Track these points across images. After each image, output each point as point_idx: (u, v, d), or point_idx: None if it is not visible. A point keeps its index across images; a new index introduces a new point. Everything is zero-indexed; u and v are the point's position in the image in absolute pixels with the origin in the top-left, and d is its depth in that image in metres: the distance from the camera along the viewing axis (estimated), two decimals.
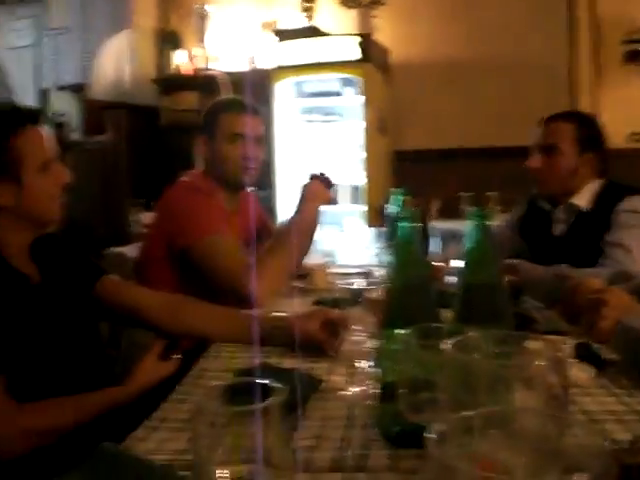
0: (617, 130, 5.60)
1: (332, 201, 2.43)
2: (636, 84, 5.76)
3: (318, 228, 2.49)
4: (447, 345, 0.74)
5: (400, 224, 1.03)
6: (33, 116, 1.58)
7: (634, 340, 1.30)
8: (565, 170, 2.38)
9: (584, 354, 1.38)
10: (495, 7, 5.58)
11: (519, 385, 0.69)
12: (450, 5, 5.68)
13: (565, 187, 2.38)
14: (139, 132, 4.85)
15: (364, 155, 5.25)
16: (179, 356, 1.70)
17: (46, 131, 1.62)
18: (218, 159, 2.37)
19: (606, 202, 2.29)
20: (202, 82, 5.81)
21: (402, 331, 0.94)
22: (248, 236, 2.38)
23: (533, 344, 0.80)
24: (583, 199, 2.35)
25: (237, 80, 4.57)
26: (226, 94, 4.28)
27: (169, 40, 6.22)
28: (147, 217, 4.23)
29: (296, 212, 2.29)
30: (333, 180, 2.39)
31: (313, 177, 2.37)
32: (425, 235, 1.98)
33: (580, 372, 1.31)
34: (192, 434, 0.69)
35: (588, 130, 2.44)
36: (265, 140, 2.43)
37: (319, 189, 2.33)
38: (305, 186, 2.35)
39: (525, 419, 0.59)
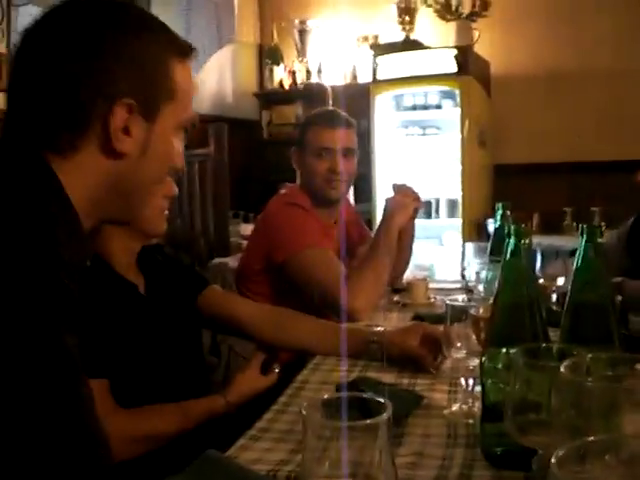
0: None
1: (417, 212, 2.40)
2: None
3: (414, 241, 2.48)
4: (558, 367, 0.72)
5: (508, 240, 1.01)
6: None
7: None
8: None
9: None
10: (600, 16, 5.41)
11: (631, 409, 0.66)
12: (553, 15, 5.55)
13: None
14: (241, 145, 4.96)
15: (462, 168, 5.19)
16: (278, 369, 1.73)
17: None
18: (308, 173, 2.38)
19: None
20: (304, 94, 5.90)
21: (508, 350, 0.93)
22: (347, 249, 2.40)
23: None
24: None
25: (336, 94, 4.61)
26: (327, 105, 4.31)
27: (270, 55, 6.35)
28: (247, 229, 4.31)
29: (381, 225, 2.28)
30: (416, 191, 2.36)
31: (396, 188, 2.35)
32: (530, 251, 1.93)
33: None
34: (301, 447, 0.70)
35: None
36: (356, 153, 2.41)
37: (402, 201, 2.31)
38: (388, 199, 2.33)
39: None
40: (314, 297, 2.14)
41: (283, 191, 2.44)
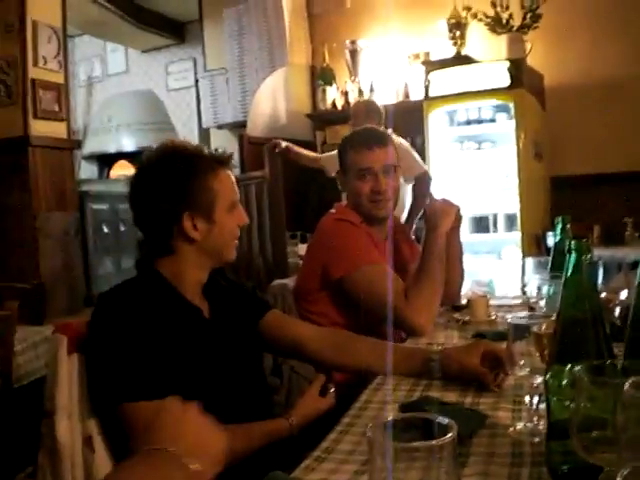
0: None
1: (460, 220, 2.39)
2: None
3: (465, 255, 2.46)
4: (623, 383, 0.71)
5: (570, 255, 1.00)
6: (225, 160, 1.70)
7: None
8: None
9: None
10: None
11: None
12: (606, 25, 5.48)
13: None
14: (296, 166, 5.01)
15: (518, 182, 5.13)
16: (333, 389, 1.75)
17: (233, 173, 1.74)
18: (353, 195, 2.39)
19: None
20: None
21: (572, 367, 0.92)
22: (399, 265, 2.40)
23: None
24: None
25: (389, 112, 4.63)
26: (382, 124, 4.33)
27: (322, 76, 6.42)
28: (303, 249, 4.34)
29: (426, 235, 2.27)
30: (455, 204, 2.36)
31: (434, 202, 2.35)
32: (592, 265, 1.90)
33: None
34: (367, 468, 0.71)
35: None
36: (398, 167, 2.41)
37: (443, 207, 2.31)
38: (428, 207, 2.33)
39: None
40: (375, 313, 2.15)
41: (333, 210, 2.46)
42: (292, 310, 2.49)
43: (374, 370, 1.71)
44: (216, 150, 1.74)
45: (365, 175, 2.34)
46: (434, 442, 0.67)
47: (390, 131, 4.79)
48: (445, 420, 0.72)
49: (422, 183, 4.51)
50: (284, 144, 4.79)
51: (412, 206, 4.49)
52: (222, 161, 1.69)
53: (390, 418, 0.75)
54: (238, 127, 6.98)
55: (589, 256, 1.00)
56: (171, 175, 1.61)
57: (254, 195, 4.87)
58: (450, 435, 0.67)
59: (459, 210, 2.37)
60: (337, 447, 1.26)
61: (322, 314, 2.27)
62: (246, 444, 1.54)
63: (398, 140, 5.03)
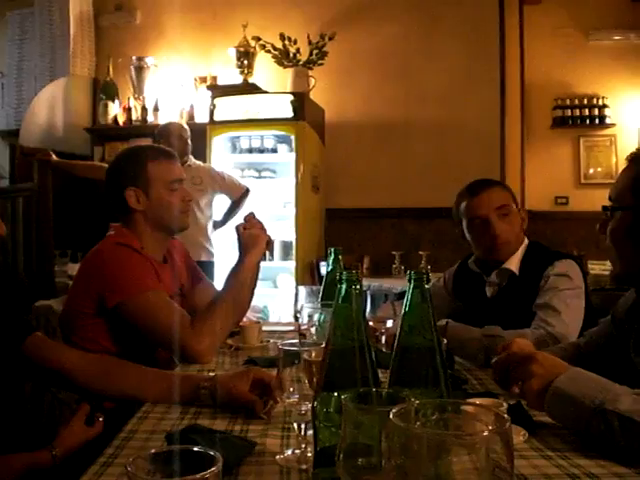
0: (543, 194, 5.84)
1: (269, 246, 2.40)
2: (562, 149, 6.02)
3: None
4: (388, 411, 0.73)
5: (340, 285, 1.02)
6: (168, 152, 2.33)
7: (565, 403, 1.32)
8: (518, 227, 2.42)
9: (516, 416, 1.39)
10: (431, 71, 5.79)
11: (462, 453, 0.68)
12: (387, 67, 5.86)
13: (517, 246, 2.40)
14: (69, 181, 4.76)
15: (296, 212, 5.28)
16: (102, 418, 1.67)
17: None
18: (157, 207, 2.31)
19: (536, 266, 2.34)
20: (140, 132, 5.78)
21: (340, 394, 0.93)
22: (179, 286, 2.36)
23: (474, 409, 0.79)
24: (513, 263, 2.39)
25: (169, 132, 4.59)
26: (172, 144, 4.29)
27: (105, 90, 6.20)
28: (75, 269, 4.12)
29: (238, 262, 2.26)
30: (266, 233, 2.37)
31: (247, 219, 2.34)
32: (361, 295, 1.98)
33: (513, 434, 1.31)
34: None
35: (512, 193, 2.51)
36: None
37: (255, 234, 2.31)
38: (243, 234, 2.31)
39: None
40: (155, 341, 2.10)
41: (112, 232, 2.35)
42: (57, 334, 2.33)
43: (141, 398, 1.65)
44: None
45: (176, 185, 2.33)
46: (197, 476, 0.63)
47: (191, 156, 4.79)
48: (210, 452, 0.70)
49: (244, 199, 4.92)
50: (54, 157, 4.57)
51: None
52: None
53: (152, 451, 0.71)
54: (11, 135, 6.53)
55: (358, 286, 1.02)
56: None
57: (21, 208, 4.56)
58: (214, 468, 0.64)
59: (270, 239, 2.37)
60: None
61: (92, 340, 2.15)
62: (4, 478, 1.41)
63: (208, 165, 5.05)
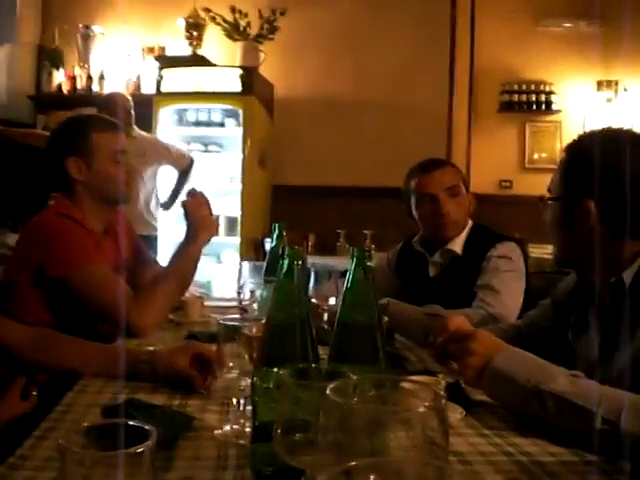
0: (488, 177, 5.91)
1: (217, 230, 2.37)
2: (508, 133, 6.09)
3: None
4: (325, 388, 0.72)
5: (282, 261, 1.02)
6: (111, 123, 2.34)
7: (503, 382, 1.34)
8: (466, 209, 2.48)
9: (454, 394, 1.41)
10: (382, 50, 5.78)
11: (398, 429, 0.68)
12: (338, 45, 5.83)
13: (463, 227, 2.45)
14: (9, 149, 4.62)
15: (242, 187, 5.25)
16: (36, 392, 1.64)
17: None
18: (99, 179, 2.27)
19: (478, 247, 2.38)
20: (88, 101, 5.64)
21: (279, 370, 0.93)
22: (122, 259, 2.33)
23: (411, 386, 0.80)
24: (457, 244, 2.43)
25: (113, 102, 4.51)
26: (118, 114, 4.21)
27: (50, 58, 6.03)
28: (13, 239, 4.02)
29: (185, 241, 2.23)
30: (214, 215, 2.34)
31: (192, 194, 2.31)
32: (304, 272, 1.98)
33: (450, 412, 1.33)
34: (58, 476, 0.64)
35: (463, 174, 2.56)
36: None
37: (207, 218, 2.28)
38: (195, 216, 2.27)
39: (406, 466, 0.59)
40: (96, 314, 2.07)
41: (52, 202, 2.30)
42: None
43: (80, 371, 1.62)
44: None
45: (119, 157, 2.30)
46: (129, 450, 0.62)
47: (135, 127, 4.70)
48: (146, 426, 0.69)
49: (190, 168, 4.89)
50: None
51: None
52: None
53: (86, 424, 0.70)
54: None
55: (300, 262, 1.02)
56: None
57: None
58: (148, 442, 0.64)
59: (217, 221, 2.36)
60: (35, 454, 1.15)
61: (31, 312, 2.10)
62: None
63: (153, 137, 4.95)
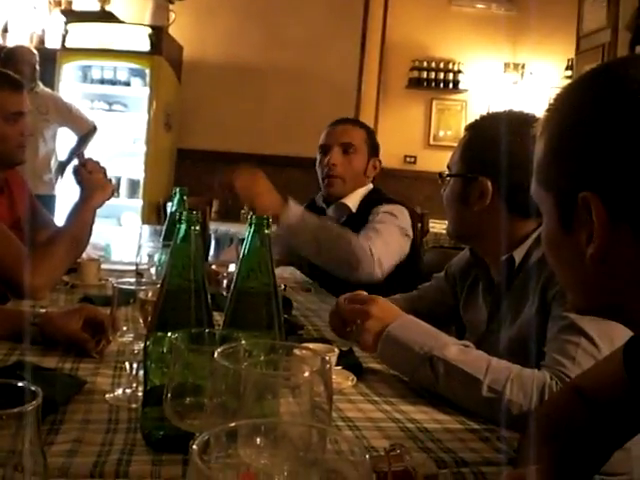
0: (393, 151, 6.00)
1: (113, 193, 2.32)
2: (415, 109, 6.19)
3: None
4: (215, 352, 0.73)
5: (179, 225, 1.01)
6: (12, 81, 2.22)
7: (397, 348, 1.38)
8: (359, 169, 2.55)
9: (346, 361, 1.45)
10: (293, 17, 5.74)
11: (285, 393, 0.70)
12: (250, 9, 5.76)
13: (354, 186, 2.52)
14: None
15: (146, 149, 5.15)
16: None
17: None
18: None
19: (368, 206, 2.47)
20: None
21: (172, 334, 0.93)
22: (17, 218, 2.26)
23: (302, 353, 0.82)
24: (352, 201, 2.52)
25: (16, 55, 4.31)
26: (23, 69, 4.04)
27: None
28: None
29: (78, 204, 2.17)
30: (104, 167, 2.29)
31: (82, 163, 2.24)
32: (204, 237, 1.98)
33: (341, 379, 1.36)
34: None
35: (373, 139, 2.68)
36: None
37: (101, 181, 2.22)
38: (86, 177, 2.21)
39: (289, 429, 0.60)
40: None
41: None
42: None
43: None
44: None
45: (15, 118, 2.23)
46: (13, 410, 0.62)
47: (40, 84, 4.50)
48: (31, 387, 0.68)
49: (90, 136, 4.62)
50: None
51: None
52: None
53: None
54: None
55: (197, 227, 1.02)
56: None
57: None
58: (33, 402, 0.63)
59: (113, 184, 2.31)
60: None
61: None
62: None
63: (57, 95, 4.74)
